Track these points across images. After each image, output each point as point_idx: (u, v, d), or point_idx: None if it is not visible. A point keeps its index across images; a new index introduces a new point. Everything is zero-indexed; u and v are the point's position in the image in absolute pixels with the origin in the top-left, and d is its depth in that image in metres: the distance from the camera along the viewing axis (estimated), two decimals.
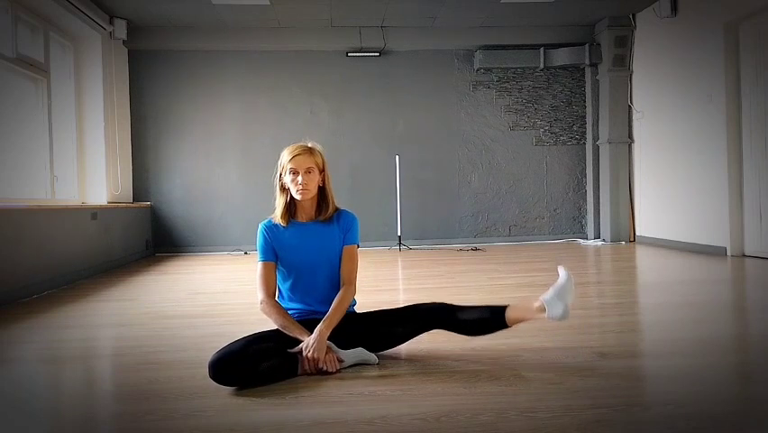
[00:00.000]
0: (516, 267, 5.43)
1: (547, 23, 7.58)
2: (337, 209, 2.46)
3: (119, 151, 6.97)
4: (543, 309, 2.17)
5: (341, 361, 2.24)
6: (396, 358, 2.39)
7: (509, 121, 7.91)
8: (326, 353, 2.21)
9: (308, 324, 2.29)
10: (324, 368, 2.19)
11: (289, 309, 2.38)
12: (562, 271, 2.23)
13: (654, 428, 1.70)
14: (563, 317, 2.14)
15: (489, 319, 2.27)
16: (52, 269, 4.74)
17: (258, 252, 2.40)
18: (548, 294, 2.19)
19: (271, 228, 2.41)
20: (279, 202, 2.40)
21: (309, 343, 2.19)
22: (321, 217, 2.41)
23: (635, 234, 7.62)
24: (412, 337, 2.39)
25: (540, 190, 7.97)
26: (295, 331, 2.26)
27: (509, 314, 2.24)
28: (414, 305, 2.43)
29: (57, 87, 6.10)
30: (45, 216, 4.77)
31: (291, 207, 2.42)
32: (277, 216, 2.40)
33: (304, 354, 2.18)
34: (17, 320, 3.52)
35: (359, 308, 2.56)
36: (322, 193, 2.42)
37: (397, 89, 7.76)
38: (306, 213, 2.42)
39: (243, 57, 7.56)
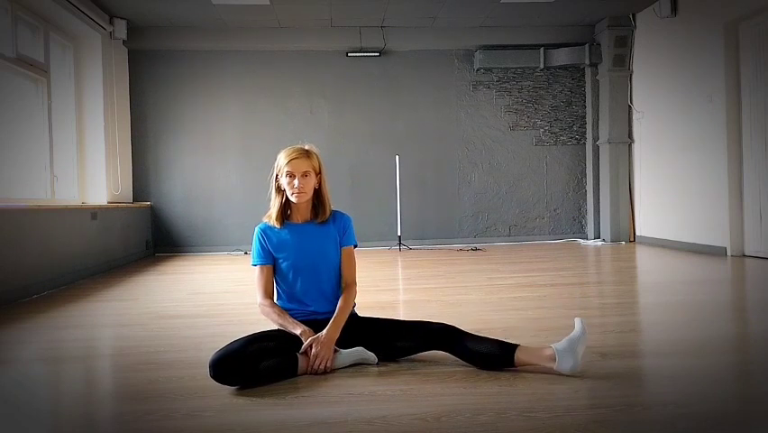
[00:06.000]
0: (516, 267, 5.43)
1: (547, 23, 7.58)
2: (332, 211, 2.46)
3: (119, 151, 6.97)
4: (553, 359, 2.11)
5: (337, 352, 2.25)
6: (396, 358, 2.39)
7: (509, 121, 7.91)
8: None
9: (307, 325, 2.29)
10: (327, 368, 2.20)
11: (288, 311, 2.37)
12: (578, 324, 2.18)
13: (654, 428, 1.70)
14: (572, 370, 2.10)
15: (498, 356, 2.21)
16: (52, 269, 4.74)
17: (255, 255, 2.41)
18: (562, 344, 2.13)
19: (267, 231, 2.41)
20: (275, 203, 2.41)
21: (318, 351, 2.20)
22: (317, 219, 2.42)
23: (635, 234, 7.62)
24: (414, 354, 2.37)
25: (540, 190, 7.97)
26: (294, 328, 2.26)
27: (519, 355, 2.17)
28: (422, 322, 2.40)
29: (57, 87, 6.10)
30: (45, 216, 4.76)
31: (286, 208, 2.42)
32: (272, 217, 2.41)
33: (311, 363, 2.20)
34: (17, 320, 3.51)
35: (359, 309, 2.55)
36: (318, 195, 2.42)
37: (397, 89, 7.76)
38: (301, 214, 2.42)
39: (243, 57, 7.55)
